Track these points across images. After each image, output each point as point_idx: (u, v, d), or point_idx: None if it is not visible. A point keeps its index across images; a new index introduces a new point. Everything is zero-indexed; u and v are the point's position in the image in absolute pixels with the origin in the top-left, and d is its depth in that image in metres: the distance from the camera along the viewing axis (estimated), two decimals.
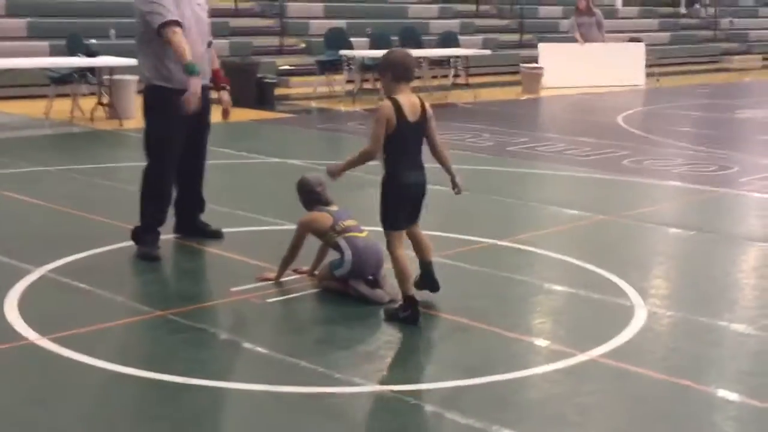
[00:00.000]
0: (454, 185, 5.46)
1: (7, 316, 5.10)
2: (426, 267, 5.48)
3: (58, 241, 6.54)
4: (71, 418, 4.00)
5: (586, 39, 18.89)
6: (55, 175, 8.94)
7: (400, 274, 5.18)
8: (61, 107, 12.68)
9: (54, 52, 14.57)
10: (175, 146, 6.36)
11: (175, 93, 6.16)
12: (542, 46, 19.10)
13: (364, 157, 5.26)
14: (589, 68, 18.34)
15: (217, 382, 4.39)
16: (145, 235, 6.34)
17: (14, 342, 4.76)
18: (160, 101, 6.27)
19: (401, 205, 5.25)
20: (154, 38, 6.19)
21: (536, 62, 18.25)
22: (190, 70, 6.05)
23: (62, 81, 12.84)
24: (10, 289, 5.50)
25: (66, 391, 4.29)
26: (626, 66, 19.20)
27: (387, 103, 5.14)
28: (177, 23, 6.09)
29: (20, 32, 15.69)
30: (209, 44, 6.56)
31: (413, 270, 5.34)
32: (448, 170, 5.43)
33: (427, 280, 5.47)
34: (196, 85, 6.06)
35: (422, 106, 5.24)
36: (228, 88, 6.73)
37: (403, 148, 5.17)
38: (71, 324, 5.01)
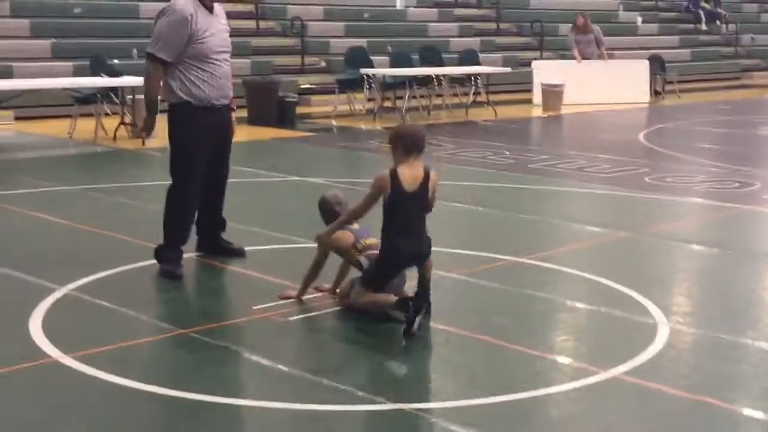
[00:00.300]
0: None
1: (31, 334, 5.14)
2: (424, 283, 5.44)
3: (82, 260, 6.59)
4: None
5: (584, 56, 18.66)
6: (79, 195, 9.01)
7: (377, 306, 5.33)
8: (85, 127, 12.79)
9: (77, 72, 14.73)
10: (200, 165, 6.42)
11: (202, 110, 6.30)
12: (536, 64, 18.97)
13: (350, 217, 5.54)
14: (589, 85, 17.99)
15: (239, 400, 4.40)
16: (168, 253, 6.38)
17: (38, 360, 4.79)
18: (186, 118, 6.35)
19: (390, 272, 5.37)
20: (180, 61, 6.26)
21: (532, 80, 18.03)
22: (152, 110, 6.43)
23: (86, 101, 12.96)
24: (34, 308, 5.54)
25: (89, 408, 4.31)
26: (629, 83, 18.85)
27: (384, 174, 5.31)
28: (160, 61, 6.22)
29: (44, 53, 15.86)
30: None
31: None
32: None
33: (421, 296, 5.39)
34: (150, 121, 6.50)
35: (426, 177, 5.31)
36: (235, 108, 6.76)
37: (398, 217, 5.31)
38: (94, 342, 5.04)
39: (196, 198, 6.50)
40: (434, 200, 5.44)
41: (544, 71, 18.20)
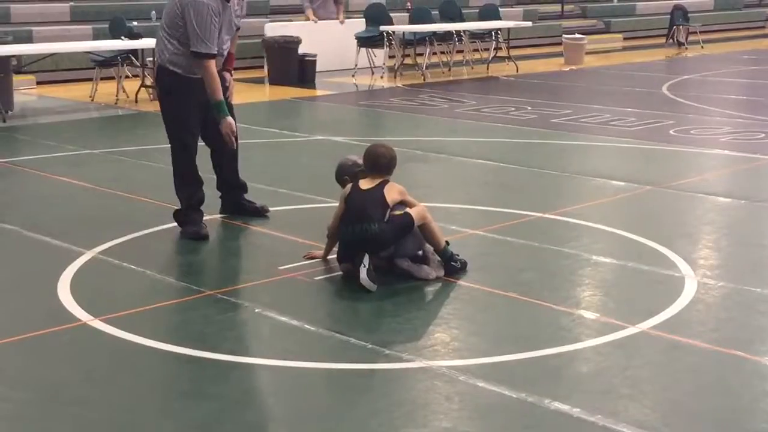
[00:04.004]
0: None
1: (60, 298, 5.18)
2: (436, 251, 5.57)
3: (108, 223, 6.62)
4: (124, 397, 4.06)
5: (321, 17, 15.76)
6: (102, 158, 9.03)
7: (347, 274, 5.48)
8: (106, 90, 12.80)
9: (97, 35, 14.71)
10: (191, 127, 6.44)
11: (188, 79, 6.32)
12: (269, 26, 15.47)
13: (335, 235, 5.65)
14: (328, 50, 15.18)
15: (267, 360, 4.42)
16: (187, 215, 6.42)
17: (68, 323, 4.83)
18: (172, 85, 6.39)
19: (348, 254, 5.47)
20: (182, 30, 6.24)
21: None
22: (219, 110, 6.24)
23: (106, 64, 12.94)
24: (62, 272, 5.57)
25: (118, 370, 4.34)
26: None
27: (347, 187, 5.64)
28: (212, 56, 6.20)
29: (63, 17, 15.85)
30: (236, 29, 6.61)
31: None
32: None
33: (445, 263, 5.56)
34: (225, 124, 6.25)
35: (383, 182, 5.56)
36: (232, 72, 6.71)
37: (350, 207, 5.51)
38: (123, 305, 5.07)
39: (193, 159, 6.48)
40: (412, 204, 5.55)
41: (276, 32, 15.15)
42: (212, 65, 6.20)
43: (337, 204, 5.73)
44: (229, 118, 6.28)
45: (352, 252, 5.43)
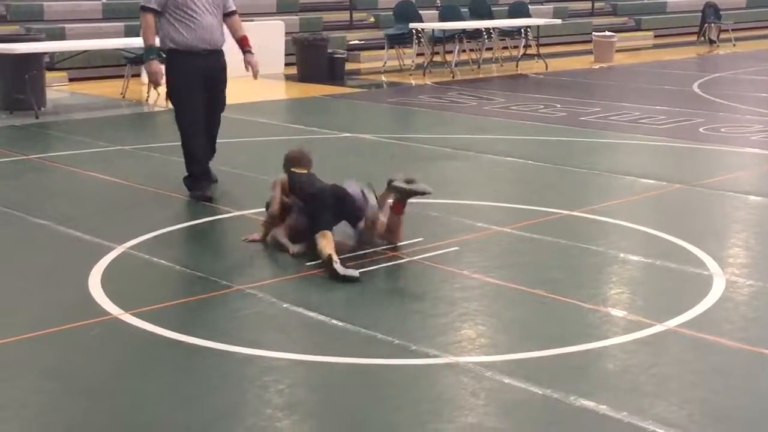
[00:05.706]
0: None
1: (91, 292, 5.24)
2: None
3: (138, 218, 6.69)
4: (154, 390, 4.11)
5: None
6: (133, 154, 9.11)
7: (322, 256, 5.58)
8: (137, 87, 12.90)
9: (128, 32, 14.81)
10: (192, 102, 7.17)
11: (185, 54, 7.09)
12: None
13: (273, 218, 6.06)
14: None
15: (294, 355, 4.45)
16: (192, 181, 7.23)
17: (98, 317, 4.89)
18: (173, 62, 7.17)
19: (318, 212, 5.83)
20: (166, 10, 7.03)
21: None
22: (146, 54, 7.27)
23: (138, 61, 13.03)
24: (93, 266, 5.64)
25: (148, 364, 4.40)
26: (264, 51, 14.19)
27: (282, 177, 6.14)
28: (150, 10, 7.06)
29: (96, 14, 15.99)
30: (232, 13, 7.34)
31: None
32: None
33: None
34: (150, 65, 7.24)
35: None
36: (252, 51, 7.37)
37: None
38: (152, 299, 5.13)
39: (198, 131, 7.23)
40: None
41: None
42: (146, 18, 7.09)
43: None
44: (151, 62, 7.18)
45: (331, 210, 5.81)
